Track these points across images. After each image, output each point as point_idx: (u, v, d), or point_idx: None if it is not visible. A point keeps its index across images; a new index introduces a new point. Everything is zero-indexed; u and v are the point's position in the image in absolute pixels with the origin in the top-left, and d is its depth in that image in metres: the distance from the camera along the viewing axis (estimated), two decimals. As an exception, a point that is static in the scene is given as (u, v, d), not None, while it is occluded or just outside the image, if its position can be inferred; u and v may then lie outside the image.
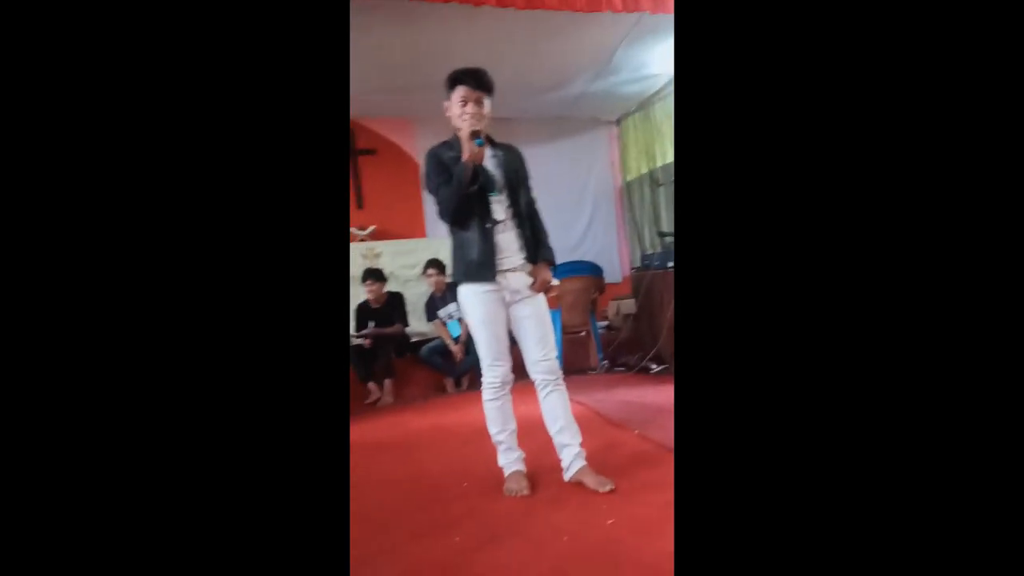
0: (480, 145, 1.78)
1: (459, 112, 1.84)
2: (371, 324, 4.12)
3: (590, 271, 4.34)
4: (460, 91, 1.84)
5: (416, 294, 4.61)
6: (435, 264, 4.24)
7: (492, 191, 1.89)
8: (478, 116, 1.82)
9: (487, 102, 1.86)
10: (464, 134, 1.80)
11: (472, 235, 1.88)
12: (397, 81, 4.34)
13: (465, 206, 1.84)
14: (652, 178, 5.24)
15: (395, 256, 4.94)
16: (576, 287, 4.23)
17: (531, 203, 2.01)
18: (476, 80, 1.84)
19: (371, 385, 4.03)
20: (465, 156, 1.78)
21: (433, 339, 4.30)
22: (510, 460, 1.97)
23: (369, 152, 5.41)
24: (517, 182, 1.94)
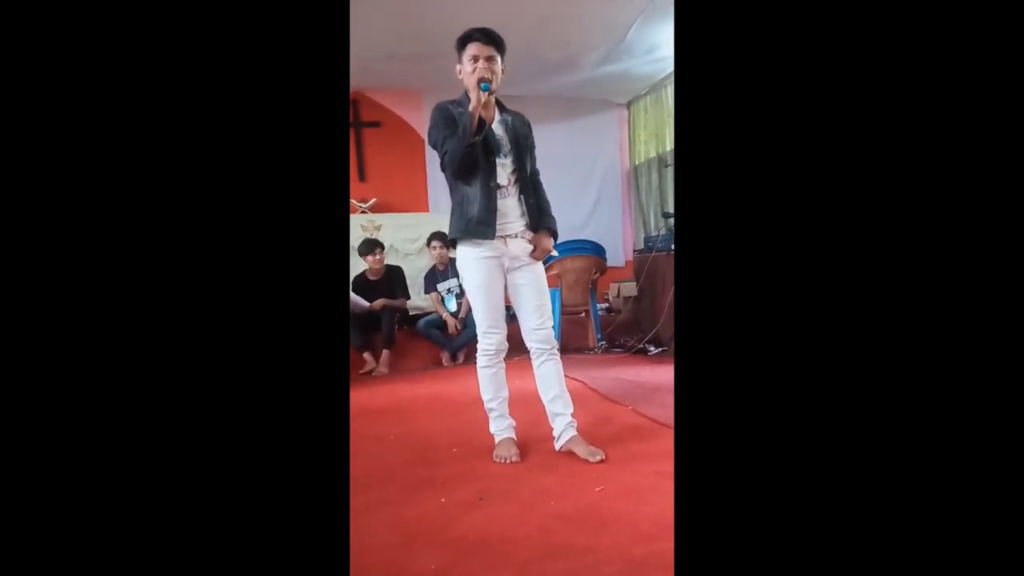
0: (486, 90, 1.73)
1: (471, 69, 1.79)
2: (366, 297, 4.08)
3: (592, 251, 4.30)
4: (471, 49, 1.79)
5: (416, 268, 4.58)
6: (440, 236, 4.12)
7: (498, 154, 1.86)
8: (490, 71, 1.77)
9: (499, 60, 1.82)
10: (472, 83, 1.76)
11: (474, 192, 1.84)
12: (405, 51, 4.29)
13: (469, 158, 1.80)
14: (660, 160, 5.20)
15: (397, 229, 4.90)
16: (577, 266, 4.20)
17: (536, 172, 1.99)
18: (487, 36, 1.80)
19: (366, 355, 4.01)
20: (472, 104, 1.75)
21: (430, 312, 4.26)
22: (501, 427, 1.96)
23: (373, 125, 5.36)
24: (524, 148, 1.91)
